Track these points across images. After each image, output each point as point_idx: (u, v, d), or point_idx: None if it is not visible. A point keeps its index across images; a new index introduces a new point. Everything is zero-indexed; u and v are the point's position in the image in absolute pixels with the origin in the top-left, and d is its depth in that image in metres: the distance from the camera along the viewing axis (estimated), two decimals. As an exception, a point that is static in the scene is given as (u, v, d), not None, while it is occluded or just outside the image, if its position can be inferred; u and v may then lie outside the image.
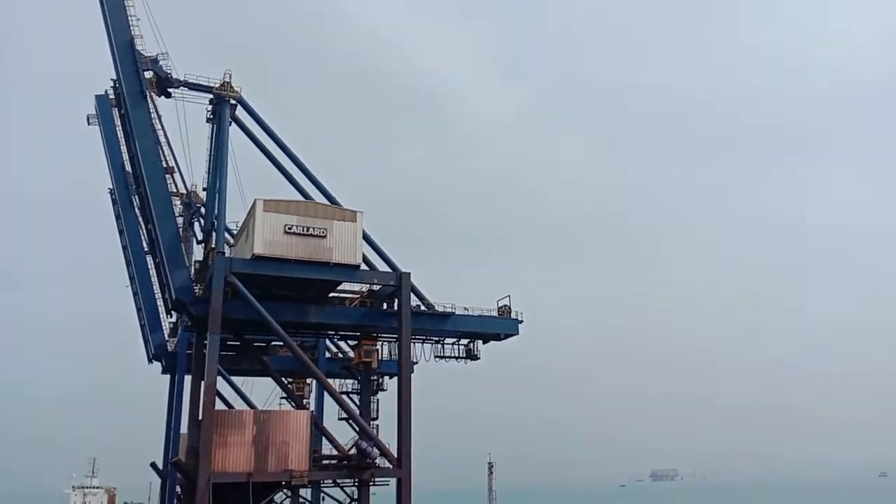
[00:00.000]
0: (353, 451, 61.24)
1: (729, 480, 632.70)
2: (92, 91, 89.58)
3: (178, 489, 73.49)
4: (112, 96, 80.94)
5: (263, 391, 77.56)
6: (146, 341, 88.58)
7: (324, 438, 66.77)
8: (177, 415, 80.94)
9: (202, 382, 57.51)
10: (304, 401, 78.17)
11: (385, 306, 65.14)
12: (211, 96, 64.95)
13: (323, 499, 74.07)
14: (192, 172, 79.50)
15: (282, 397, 75.14)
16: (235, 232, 67.53)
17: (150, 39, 64.99)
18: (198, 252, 76.07)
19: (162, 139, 74.94)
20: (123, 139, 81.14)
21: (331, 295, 64.17)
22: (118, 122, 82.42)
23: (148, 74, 64.14)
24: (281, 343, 67.18)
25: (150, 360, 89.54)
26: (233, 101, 64.93)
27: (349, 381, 77.81)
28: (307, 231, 58.46)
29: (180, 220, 77.19)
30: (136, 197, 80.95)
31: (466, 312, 67.05)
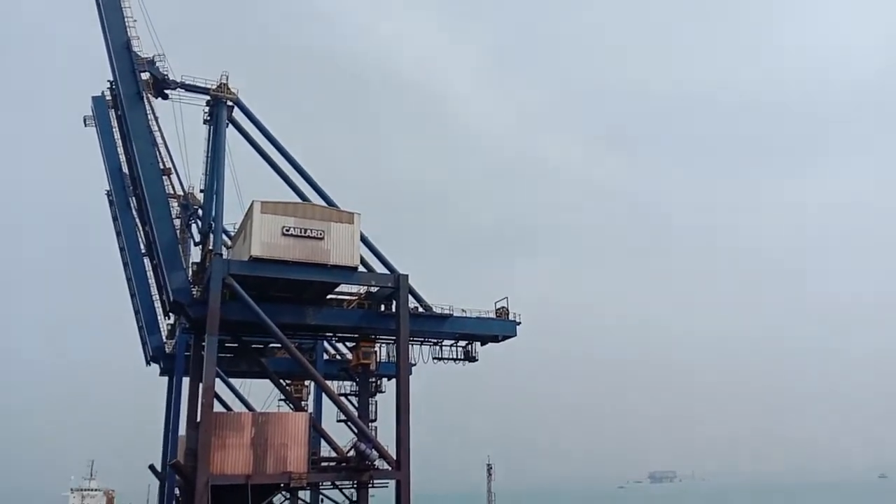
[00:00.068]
0: (352, 453, 61.20)
1: (727, 482, 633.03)
2: (88, 92, 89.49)
3: (177, 491, 73.23)
4: (109, 98, 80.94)
5: (262, 393, 77.52)
6: (144, 343, 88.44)
7: (322, 440, 66.56)
8: (175, 417, 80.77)
9: (200, 384, 57.41)
10: (303, 403, 78.16)
11: (383, 308, 65.07)
12: (208, 98, 64.82)
13: (321, 501, 73.82)
14: (189, 174, 79.31)
15: (280, 399, 75.12)
16: (233, 234, 67.43)
17: (146, 41, 64.96)
18: (195, 254, 75.85)
19: (159, 141, 74.76)
20: (120, 141, 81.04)
21: (329, 297, 64.11)
22: (115, 123, 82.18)
23: (144, 76, 64.00)
24: (279, 345, 67.11)
25: (147, 363, 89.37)
26: (229, 103, 64.83)
27: (347, 383, 77.72)
28: (305, 233, 58.42)
29: (177, 222, 77.01)
30: (134, 199, 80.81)
31: (464, 314, 67.03)
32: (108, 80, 72.50)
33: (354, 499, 62.22)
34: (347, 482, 61.52)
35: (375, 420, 68.63)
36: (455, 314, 66.45)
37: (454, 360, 70.69)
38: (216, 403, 61.27)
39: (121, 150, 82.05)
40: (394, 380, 63.91)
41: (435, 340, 69.31)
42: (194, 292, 60.33)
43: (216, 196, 62.82)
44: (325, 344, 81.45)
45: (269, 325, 57.30)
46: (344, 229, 60.16)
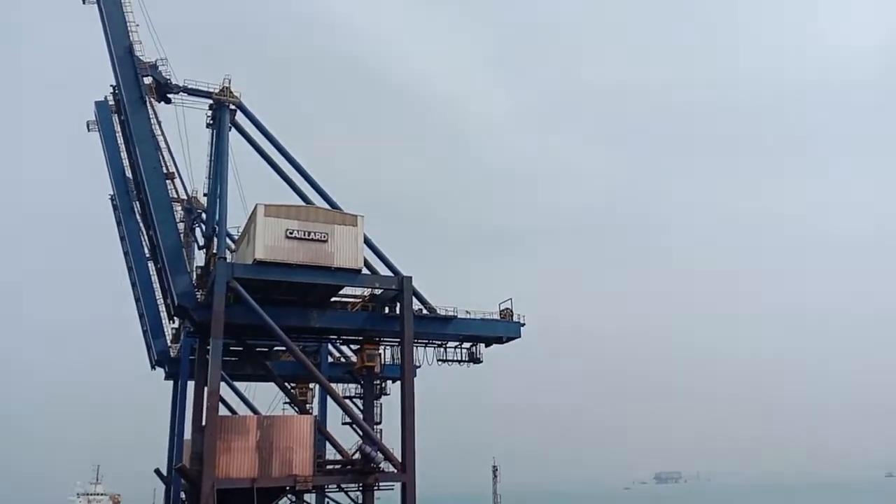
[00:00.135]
0: (358, 455, 61.13)
1: (733, 482, 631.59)
2: (91, 97, 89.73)
3: (183, 495, 73.46)
4: (112, 102, 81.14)
5: (267, 396, 77.59)
6: (149, 347, 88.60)
7: (328, 443, 66.62)
8: (180, 421, 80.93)
9: (205, 388, 57.40)
10: (308, 406, 78.10)
11: (387, 310, 65.07)
12: (211, 102, 64.97)
13: (327, 504, 73.88)
14: (192, 178, 79.49)
15: (285, 402, 75.15)
16: (237, 237, 67.50)
17: (148, 45, 65.08)
18: (199, 258, 76.12)
19: (162, 145, 74.88)
20: (124, 145, 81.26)
21: (333, 299, 64.09)
22: (118, 128, 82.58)
23: (147, 80, 64.05)
24: (283, 348, 67.13)
25: (153, 367, 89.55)
26: (232, 107, 64.93)
27: (352, 386, 77.68)
28: (308, 236, 58.46)
29: (181, 226, 77.12)
30: (137, 203, 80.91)
31: (469, 316, 66.96)
32: (111, 85, 72.84)
33: (360, 501, 62.25)
34: (353, 485, 61.54)
35: (380, 422, 68.50)
36: (459, 316, 66.41)
37: (458, 361, 70.63)
38: (221, 407, 61.22)
39: (124, 154, 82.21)
40: (398, 382, 63.85)
41: (439, 342, 69.31)
42: (199, 296, 60.36)
43: (219, 200, 62.91)
44: (330, 347, 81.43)
45: (274, 329, 57.29)
46: (347, 232, 60.20)
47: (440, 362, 69.98)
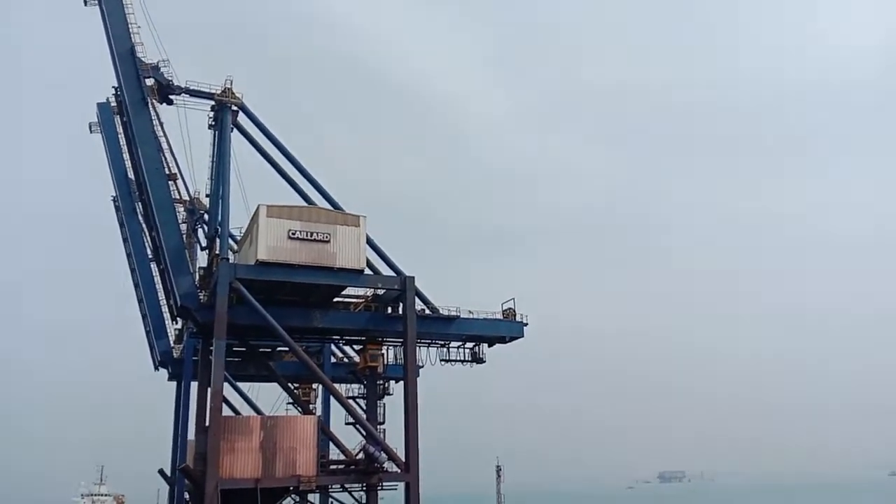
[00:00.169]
0: (361, 455, 61.20)
1: (737, 481, 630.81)
2: (93, 99, 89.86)
3: (187, 496, 73.58)
4: (114, 104, 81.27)
5: (270, 397, 77.62)
6: (152, 348, 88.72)
7: (331, 443, 66.62)
8: (184, 421, 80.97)
9: (209, 389, 57.55)
10: (311, 406, 78.17)
11: (390, 310, 65.10)
12: (212, 103, 65.06)
13: (330, 504, 73.95)
14: (194, 179, 79.81)
15: (288, 403, 75.18)
16: (239, 238, 67.58)
17: (150, 46, 65.19)
18: (202, 258, 76.15)
19: (164, 146, 75.05)
20: (126, 147, 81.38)
21: (335, 300, 64.16)
22: (120, 129, 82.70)
23: (149, 82, 64.22)
24: (286, 348, 67.20)
25: (156, 367, 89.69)
26: (234, 108, 65.02)
27: (355, 386, 77.81)
28: (311, 236, 58.52)
29: (184, 227, 77.21)
30: (140, 204, 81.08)
31: (471, 316, 66.96)
32: (113, 87, 72.98)
33: (363, 501, 62.25)
34: (356, 485, 61.58)
35: (384, 422, 68.62)
36: (462, 316, 66.38)
37: (461, 361, 70.64)
38: (225, 407, 61.25)
39: (127, 155, 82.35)
40: (401, 382, 63.88)
41: (442, 342, 69.32)
42: (201, 297, 60.43)
43: (222, 200, 62.99)
44: (333, 347, 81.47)
45: (277, 329, 57.35)
46: (350, 232, 60.24)
47: (443, 362, 70.05)
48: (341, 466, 63.88)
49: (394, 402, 71.00)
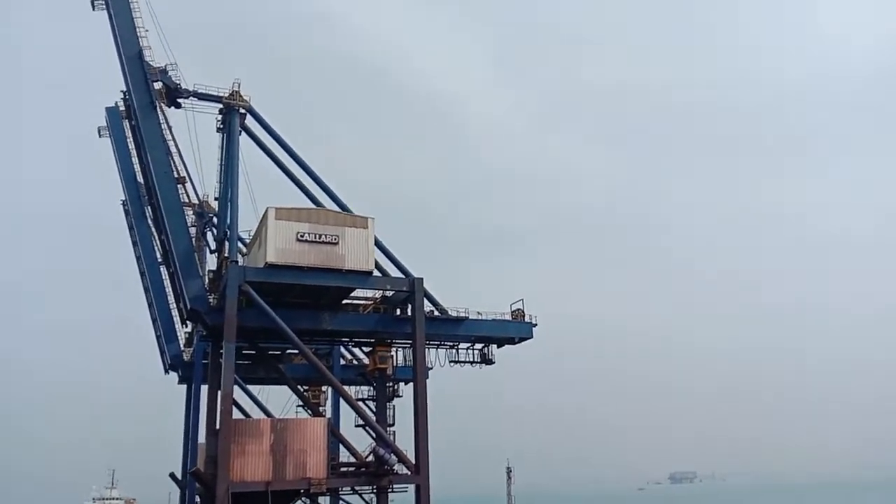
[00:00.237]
0: (371, 457, 61.14)
1: (748, 482, 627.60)
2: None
3: (198, 499, 73.60)
4: (122, 108, 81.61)
5: (280, 399, 77.61)
6: (162, 352, 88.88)
7: (341, 446, 66.65)
8: (194, 425, 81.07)
9: (219, 392, 57.59)
10: (321, 408, 78.14)
11: (399, 312, 65.06)
12: (220, 106, 65.18)
13: (341, 506, 73.86)
14: (203, 182, 79.83)
15: (298, 405, 75.20)
16: (248, 241, 67.67)
17: (158, 50, 65.38)
18: (211, 262, 76.25)
19: (173, 150, 75.26)
20: (135, 150, 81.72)
21: (344, 302, 64.09)
22: (129, 133, 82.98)
23: (157, 85, 64.33)
24: (296, 351, 67.24)
25: (166, 371, 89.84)
26: (242, 111, 65.12)
27: (365, 388, 77.63)
28: (319, 238, 58.50)
29: (193, 231, 77.46)
30: (149, 208, 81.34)
31: (480, 317, 66.80)
32: (122, 91, 73.23)
33: (374, 504, 62.18)
34: (367, 487, 61.58)
35: (393, 424, 68.47)
36: (471, 317, 66.27)
37: (471, 363, 70.51)
38: (235, 410, 61.33)
39: (135, 159, 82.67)
40: (411, 384, 63.79)
41: (451, 343, 69.23)
42: (211, 300, 60.58)
43: (231, 203, 63.07)
44: (342, 349, 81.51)
45: (286, 331, 57.34)
46: (358, 234, 60.22)
47: (452, 364, 69.92)
48: (351, 469, 63.91)
49: (403, 404, 70.84)
